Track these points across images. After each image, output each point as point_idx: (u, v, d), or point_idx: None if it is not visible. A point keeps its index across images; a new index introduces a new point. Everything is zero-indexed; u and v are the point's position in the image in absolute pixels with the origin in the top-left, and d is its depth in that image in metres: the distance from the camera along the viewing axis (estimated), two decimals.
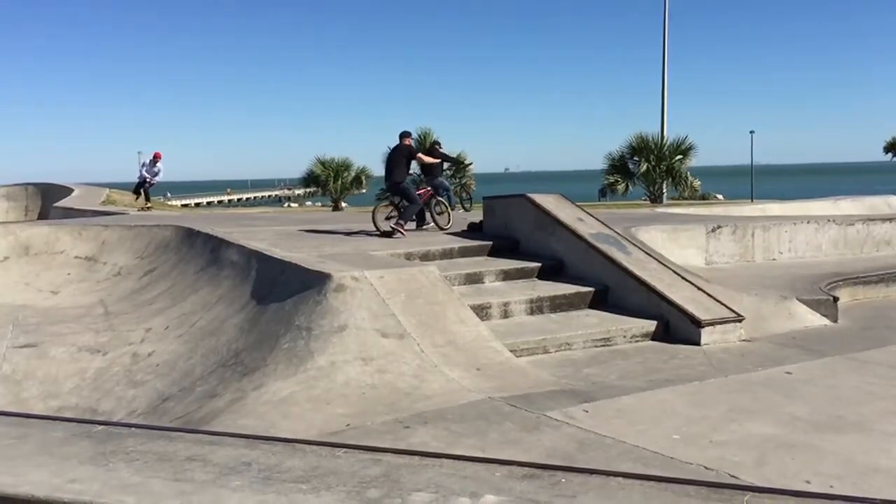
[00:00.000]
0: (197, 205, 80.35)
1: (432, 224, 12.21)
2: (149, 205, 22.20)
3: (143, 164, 22.11)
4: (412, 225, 11.98)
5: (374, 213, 12.19)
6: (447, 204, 12.82)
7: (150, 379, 6.85)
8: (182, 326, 7.79)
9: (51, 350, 7.54)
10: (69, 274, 10.67)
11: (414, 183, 12.95)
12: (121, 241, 11.28)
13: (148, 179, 21.94)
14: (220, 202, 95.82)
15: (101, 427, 4.54)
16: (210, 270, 9.08)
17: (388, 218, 11.81)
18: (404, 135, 12.24)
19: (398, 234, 11.07)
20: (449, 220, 12.24)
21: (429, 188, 12.59)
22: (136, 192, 22.32)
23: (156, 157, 22.06)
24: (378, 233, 11.46)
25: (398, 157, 12.04)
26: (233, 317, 7.53)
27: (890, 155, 51.30)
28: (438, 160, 13.36)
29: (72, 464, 3.81)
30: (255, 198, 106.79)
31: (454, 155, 16.77)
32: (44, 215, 23.78)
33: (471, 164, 13.37)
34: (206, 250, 9.77)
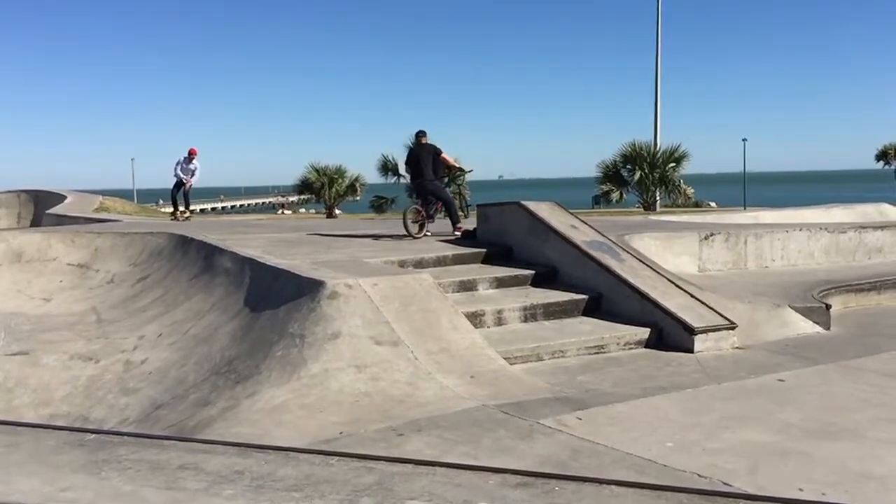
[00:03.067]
0: (191, 211, 80.00)
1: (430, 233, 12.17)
2: (187, 213, 19.89)
3: (178, 163, 19.21)
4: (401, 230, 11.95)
5: (404, 216, 12.03)
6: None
7: (143, 387, 6.83)
8: (175, 334, 7.77)
9: (43, 358, 7.51)
10: (62, 281, 10.63)
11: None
12: (114, 249, 11.25)
13: (184, 180, 19.21)
14: (213, 209, 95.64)
15: (93, 435, 4.53)
16: (203, 278, 9.06)
17: (414, 222, 11.79)
18: (422, 134, 12.25)
19: (455, 235, 11.28)
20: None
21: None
22: (175, 199, 19.63)
23: (191, 154, 19.16)
24: (407, 236, 11.53)
25: (426, 155, 12.02)
26: (226, 324, 7.51)
27: (882, 163, 51.45)
28: (455, 164, 13.28)
29: (64, 472, 3.79)
30: (248, 205, 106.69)
31: None
32: (36, 222, 23.71)
33: (471, 170, 13.45)
34: (199, 257, 9.75)
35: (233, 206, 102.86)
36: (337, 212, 35.20)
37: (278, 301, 7.23)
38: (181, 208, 19.65)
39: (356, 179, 35.32)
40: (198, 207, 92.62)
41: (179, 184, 19.23)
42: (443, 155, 12.39)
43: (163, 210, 52.05)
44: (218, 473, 3.78)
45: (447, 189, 12.55)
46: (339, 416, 5.32)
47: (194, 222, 18.94)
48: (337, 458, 4.15)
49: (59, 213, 20.47)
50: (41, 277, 10.72)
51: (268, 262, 8.38)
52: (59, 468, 3.86)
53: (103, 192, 30.41)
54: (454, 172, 13.22)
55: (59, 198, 25.11)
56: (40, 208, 24.63)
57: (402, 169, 32.74)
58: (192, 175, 19.24)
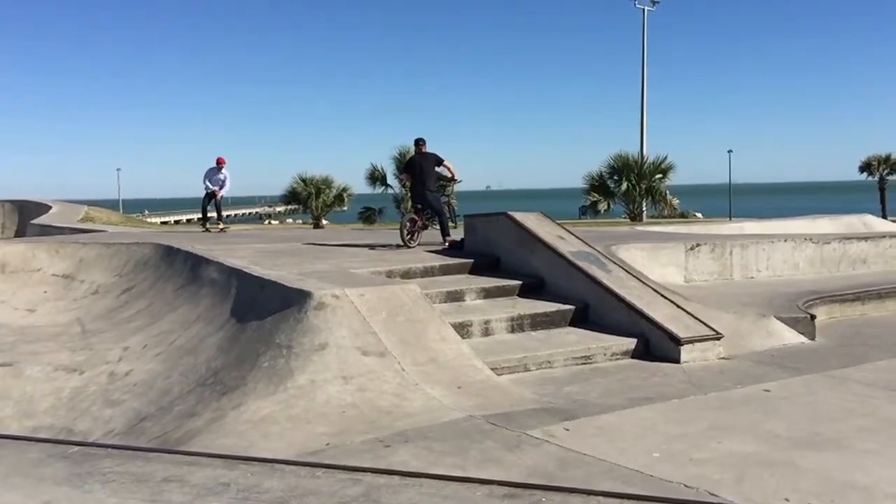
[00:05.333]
0: (176, 222, 79.88)
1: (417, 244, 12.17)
2: (221, 225, 18.80)
3: (206, 174, 18.16)
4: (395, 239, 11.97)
5: (401, 226, 12.06)
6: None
7: (128, 398, 6.78)
8: (160, 345, 7.72)
9: (26, 369, 7.44)
10: (46, 292, 10.55)
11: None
12: (99, 259, 11.18)
13: (214, 191, 18.03)
14: (199, 219, 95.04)
15: (77, 448, 4.49)
16: (189, 288, 9.02)
17: (410, 232, 11.83)
18: (422, 142, 12.23)
19: (443, 246, 11.35)
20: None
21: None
22: (204, 211, 18.56)
23: (219, 163, 17.97)
24: (396, 246, 11.64)
25: (428, 164, 12.02)
26: (212, 335, 7.47)
27: (865, 174, 51.96)
28: (454, 174, 13.23)
29: (47, 485, 3.76)
30: (235, 215, 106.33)
31: None
32: (21, 232, 23.54)
33: (461, 180, 13.51)
34: (185, 268, 9.71)
35: None
36: (324, 222, 35.17)
37: (265, 312, 7.20)
38: (213, 216, 18.55)
39: (343, 190, 35.33)
40: (184, 217, 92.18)
41: (210, 195, 18.19)
42: (446, 163, 12.39)
43: (148, 220, 51.75)
44: (203, 486, 3.76)
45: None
46: (326, 427, 5.30)
47: (180, 232, 18.73)
48: (323, 469, 4.14)
49: (43, 224, 20.31)
50: (25, 288, 10.64)
51: (254, 273, 8.35)
52: (42, 481, 3.82)
53: (88, 202, 30.23)
54: (445, 182, 13.26)
55: (43, 208, 24.96)
56: (24, 218, 24.47)
57: (390, 179, 32.86)
58: (222, 185, 18.14)
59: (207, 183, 18.07)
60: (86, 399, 6.92)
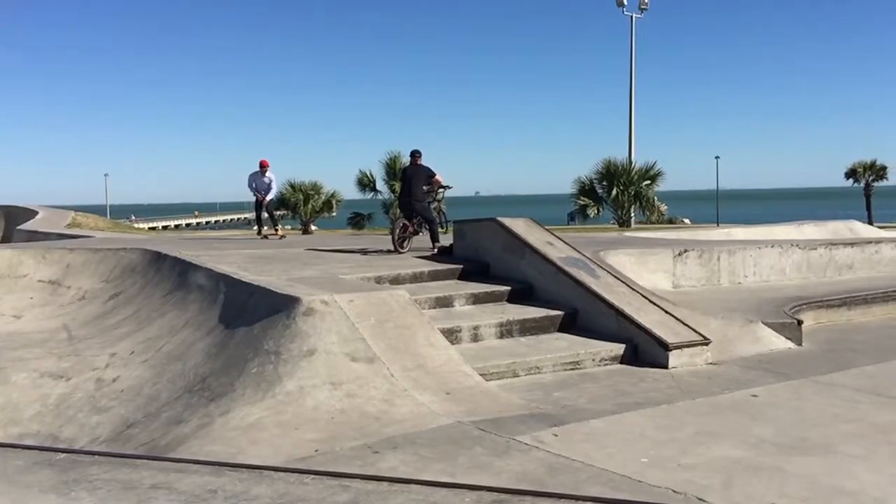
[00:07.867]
0: (164, 228, 79.71)
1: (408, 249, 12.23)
2: (280, 231, 18.13)
3: (251, 179, 17.20)
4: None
5: (392, 232, 12.36)
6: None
7: (115, 405, 6.74)
8: (148, 351, 7.68)
9: (12, 375, 7.39)
10: (32, 298, 10.48)
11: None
12: (86, 265, 11.11)
13: (261, 196, 17.17)
14: (188, 225, 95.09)
15: (63, 455, 4.46)
16: (177, 294, 8.98)
17: (401, 238, 11.98)
18: (418, 154, 12.47)
19: (433, 251, 11.47)
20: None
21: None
22: (259, 218, 17.87)
23: (263, 166, 17.08)
24: (385, 252, 11.82)
25: (420, 176, 12.34)
26: (200, 341, 7.44)
27: (851, 181, 52.45)
28: (442, 185, 13.48)
29: (33, 493, 3.73)
30: (223, 220, 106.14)
31: None
32: (7, 238, 23.41)
33: (451, 187, 13.63)
34: (173, 274, 9.66)
35: (207, 223, 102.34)
36: (313, 228, 35.14)
37: (253, 318, 7.18)
38: (266, 226, 17.90)
39: (332, 195, 35.33)
40: (172, 223, 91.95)
41: (259, 204, 17.38)
42: (436, 177, 12.75)
43: (136, 226, 51.42)
44: (191, 493, 3.74)
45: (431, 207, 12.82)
46: (315, 433, 5.29)
47: (168, 238, 18.58)
48: (312, 476, 4.13)
49: (30, 229, 20.21)
50: (11, 294, 10.56)
51: (243, 279, 8.32)
52: (28, 488, 3.79)
53: (76, 208, 30.09)
54: (435, 187, 13.38)
55: (30, 213, 24.84)
56: (11, 224, 24.34)
57: (379, 184, 32.91)
58: (268, 189, 17.27)
59: (254, 191, 17.25)
60: (72, 406, 6.87)
